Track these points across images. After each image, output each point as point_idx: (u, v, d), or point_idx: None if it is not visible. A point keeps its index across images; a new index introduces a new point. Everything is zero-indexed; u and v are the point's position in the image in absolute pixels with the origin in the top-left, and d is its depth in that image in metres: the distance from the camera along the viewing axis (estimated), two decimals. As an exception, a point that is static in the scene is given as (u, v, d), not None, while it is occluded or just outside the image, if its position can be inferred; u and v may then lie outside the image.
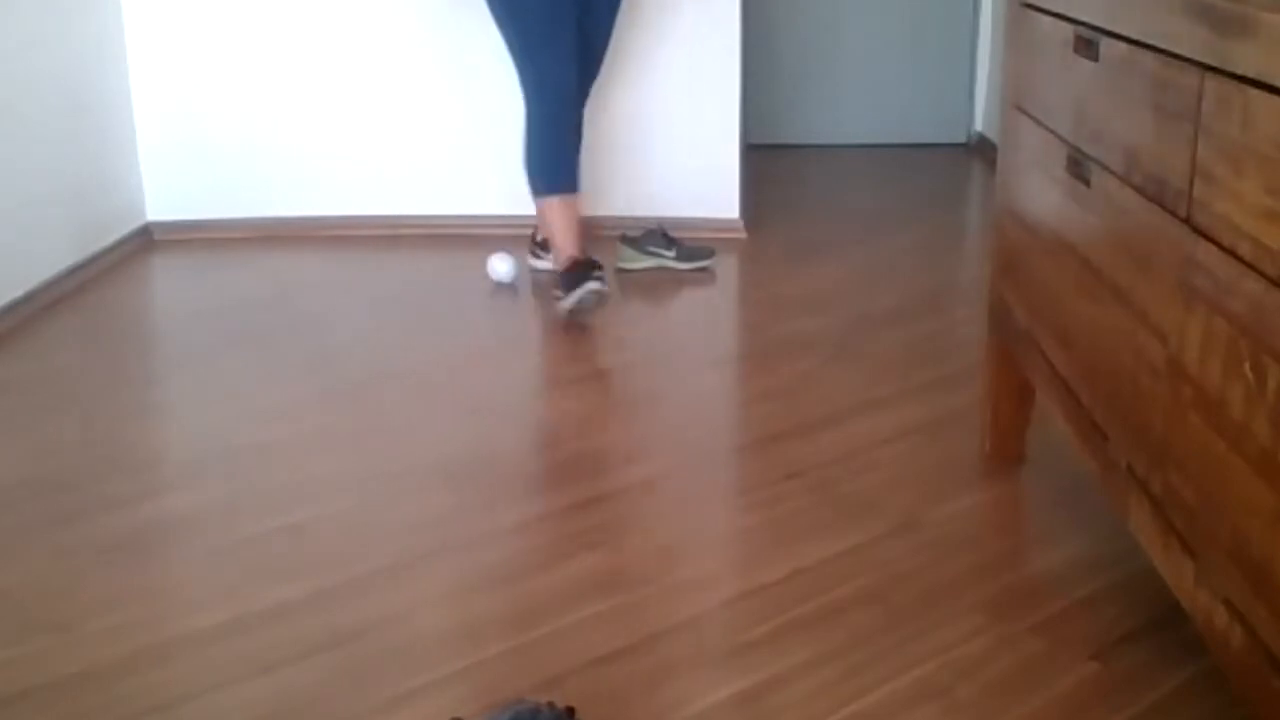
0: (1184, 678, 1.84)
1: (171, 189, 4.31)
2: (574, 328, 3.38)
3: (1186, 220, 1.50)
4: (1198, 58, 1.46)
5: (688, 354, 3.23)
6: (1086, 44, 1.88)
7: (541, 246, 3.55)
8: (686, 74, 4.27)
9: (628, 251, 3.92)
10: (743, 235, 4.30)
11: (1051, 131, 2.07)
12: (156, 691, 1.83)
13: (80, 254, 3.83)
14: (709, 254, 3.95)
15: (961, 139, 5.79)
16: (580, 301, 3.34)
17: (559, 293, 3.41)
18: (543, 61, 3.47)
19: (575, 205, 3.54)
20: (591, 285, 3.32)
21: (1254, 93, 1.32)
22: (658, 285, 3.80)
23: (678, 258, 3.91)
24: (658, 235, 3.93)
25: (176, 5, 4.19)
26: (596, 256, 3.51)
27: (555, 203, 3.50)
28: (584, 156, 4.28)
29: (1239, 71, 1.35)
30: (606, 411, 2.87)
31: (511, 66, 3.58)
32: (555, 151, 3.52)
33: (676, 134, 4.29)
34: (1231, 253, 1.38)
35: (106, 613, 2.04)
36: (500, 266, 3.78)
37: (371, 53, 4.26)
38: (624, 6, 3.67)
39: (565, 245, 3.48)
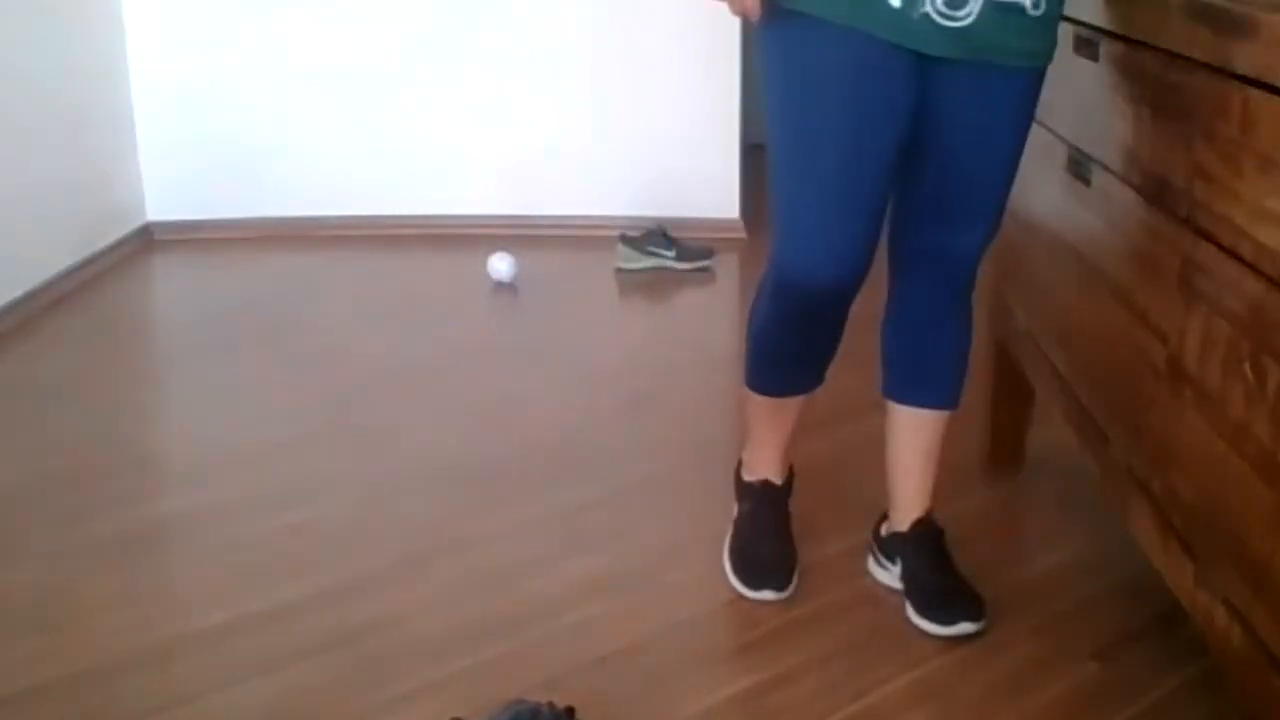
0: (1184, 678, 1.84)
1: (171, 189, 4.31)
2: (573, 328, 3.38)
3: (1186, 220, 1.50)
4: (1198, 58, 1.46)
5: (688, 354, 3.22)
6: (1086, 44, 1.88)
7: (882, 549, 2.14)
8: (687, 74, 4.27)
9: (628, 251, 3.92)
10: (743, 235, 4.29)
11: (1051, 131, 2.07)
12: (156, 691, 1.83)
13: (80, 254, 3.82)
14: (709, 254, 3.95)
15: (961, 139, 5.78)
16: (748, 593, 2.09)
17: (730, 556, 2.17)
18: (793, 203, 1.87)
19: (789, 410, 2.19)
20: (767, 594, 2.07)
21: (1254, 93, 1.32)
22: (658, 285, 3.80)
23: (678, 258, 3.91)
24: (658, 235, 3.93)
25: (177, 6, 4.19)
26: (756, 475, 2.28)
27: (755, 398, 2.20)
28: (584, 156, 4.29)
29: (1239, 71, 1.35)
30: (607, 411, 2.87)
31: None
32: (770, 349, 2.10)
33: (676, 134, 4.29)
34: (1231, 253, 1.38)
35: (106, 613, 2.04)
36: (500, 266, 3.78)
37: (371, 53, 4.26)
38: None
39: (754, 453, 2.27)
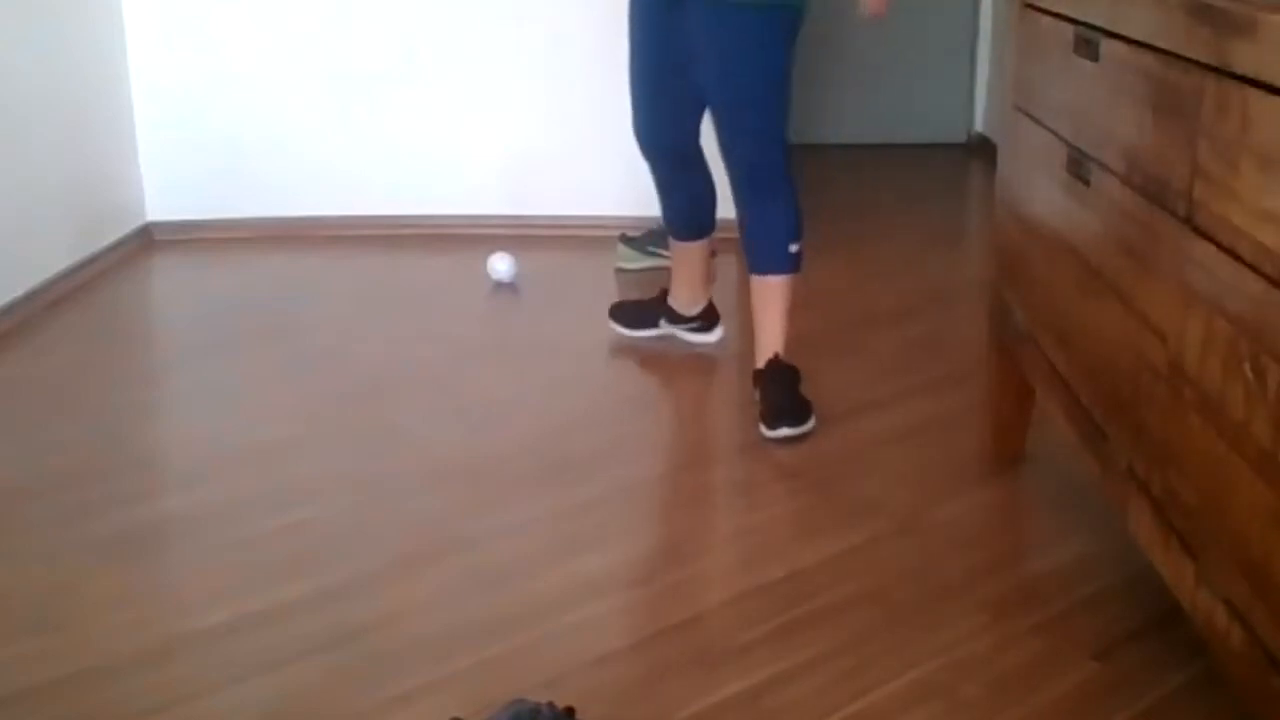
0: (1184, 678, 1.84)
1: (171, 189, 4.31)
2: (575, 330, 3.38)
3: (1186, 220, 1.50)
4: (1198, 58, 1.46)
5: (688, 354, 3.23)
6: (1086, 44, 1.88)
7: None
8: (686, 74, 4.27)
9: (628, 251, 3.92)
10: (743, 235, 4.29)
11: (1051, 131, 2.07)
12: (156, 691, 1.83)
13: (80, 254, 3.82)
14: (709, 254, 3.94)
15: (961, 139, 5.79)
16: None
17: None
18: (631, 96, 2.97)
19: (690, 252, 3.17)
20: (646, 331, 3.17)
21: (1254, 93, 1.32)
22: (658, 285, 3.79)
23: (678, 258, 3.91)
24: (658, 235, 3.92)
25: (177, 6, 4.19)
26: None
27: (673, 244, 3.22)
28: (584, 156, 4.30)
29: (1239, 71, 1.35)
30: (607, 411, 2.87)
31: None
32: (660, 197, 3.11)
33: (676, 134, 4.28)
34: (1231, 253, 1.38)
35: (106, 612, 2.04)
36: (500, 266, 3.78)
37: (371, 53, 4.26)
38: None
39: (677, 290, 3.21)
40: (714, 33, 2.69)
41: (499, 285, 3.77)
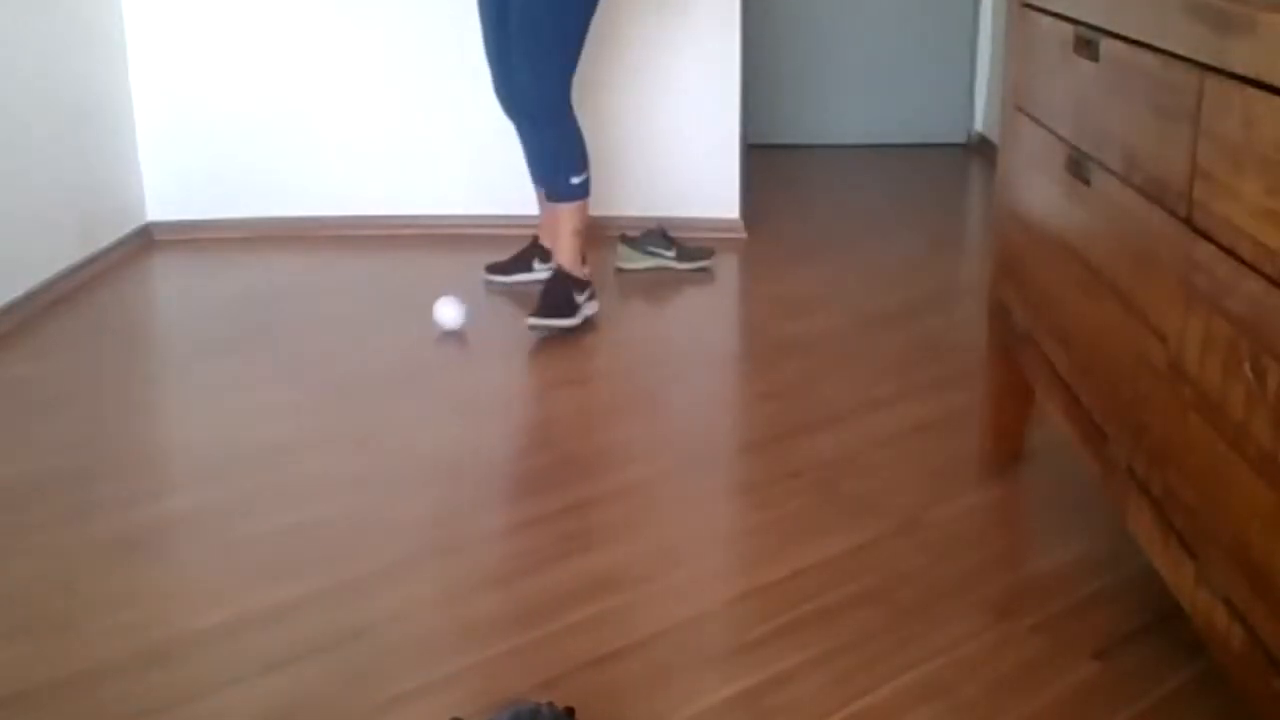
0: (1185, 678, 1.84)
1: (171, 189, 4.31)
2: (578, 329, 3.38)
3: (1186, 220, 1.50)
4: (1198, 58, 1.46)
5: (688, 354, 3.23)
6: (1086, 44, 1.88)
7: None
8: (686, 74, 4.27)
9: (628, 251, 3.92)
10: (743, 235, 4.30)
11: (1051, 131, 2.07)
12: (156, 691, 1.83)
13: (80, 254, 3.82)
14: (709, 254, 3.95)
15: (961, 139, 5.79)
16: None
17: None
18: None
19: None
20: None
21: (1254, 93, 1.32)
22: (658, 285, 3.80)
23: (678, 258, 3.92)
24: (658, 235, 3.93)
25: (177, 6, 4.19)
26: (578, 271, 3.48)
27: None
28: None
29: (1239, 71, 1.35)
30: (607, 411, 2.87)
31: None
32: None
33: (676, 134, 4.29)
34: (1231, 253, 1.38)
35: (106, 612, 2.04)
36: (449, 312, 3.37)
37: (371, 53, 4.26)
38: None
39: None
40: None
41: (446, 335, 3.37)
